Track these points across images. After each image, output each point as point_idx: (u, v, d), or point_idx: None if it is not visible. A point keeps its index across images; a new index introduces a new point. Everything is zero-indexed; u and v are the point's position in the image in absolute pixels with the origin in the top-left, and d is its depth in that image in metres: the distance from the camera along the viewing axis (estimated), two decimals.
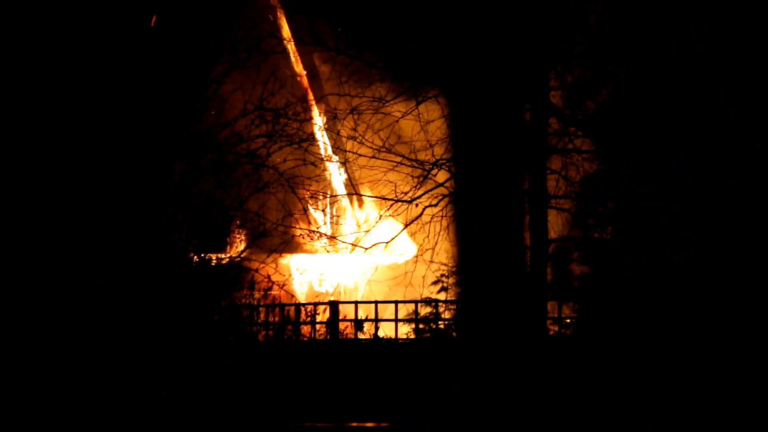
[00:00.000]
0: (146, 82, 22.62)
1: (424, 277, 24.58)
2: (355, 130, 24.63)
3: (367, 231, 25.40)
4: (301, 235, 24.51)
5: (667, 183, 22.01)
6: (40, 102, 21.99)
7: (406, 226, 24.75)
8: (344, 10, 25.03)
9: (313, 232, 24.96)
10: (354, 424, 23.20)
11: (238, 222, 23.66)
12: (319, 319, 24.87)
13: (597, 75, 23.34)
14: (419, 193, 24.34)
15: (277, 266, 24.38)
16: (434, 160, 24.25)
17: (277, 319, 24.70)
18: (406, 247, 27.15)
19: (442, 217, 24.33)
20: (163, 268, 22.46)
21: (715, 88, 22.06)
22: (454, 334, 24.61)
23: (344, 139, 25.27)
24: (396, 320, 24.84)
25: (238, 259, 23.53)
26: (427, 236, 24.40)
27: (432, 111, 24.67)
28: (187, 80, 23.27)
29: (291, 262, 27.24)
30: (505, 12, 23.36)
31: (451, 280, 24.75)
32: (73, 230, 21.42)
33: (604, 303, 22.71)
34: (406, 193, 24.46)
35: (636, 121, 22.43)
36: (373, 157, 24.54)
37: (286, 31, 28.96)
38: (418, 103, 24.55)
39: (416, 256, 24.91)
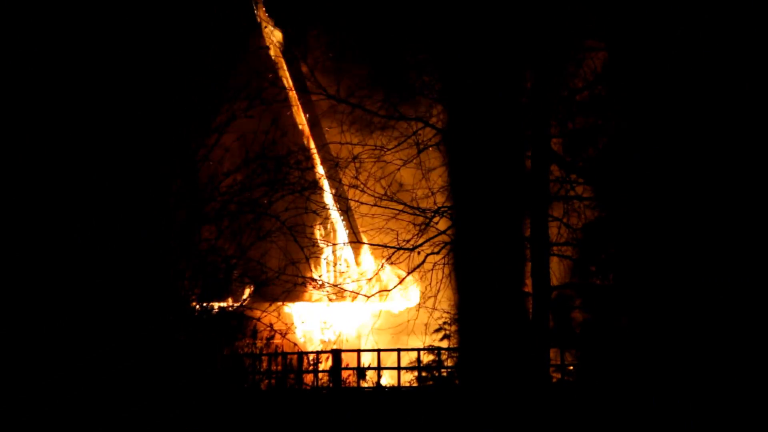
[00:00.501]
0: (147, 132, 22.69)
1: (426, 324, 24.54)
2: (356, 178, 24.70)
3: (369, 279, 25.44)
4: (303, 283, 24.49)
5: (668, 229, 22.04)
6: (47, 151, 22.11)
7: (408, 274, 24.77)
8: (346, 56, 25.20)
9: (315, 280, 24.99)
10: None
11: (240, 270, 23.65)
12: (321, 367, 24.80)
13: (598, 122, 23.41)
14: (421, 240, 24.38)
15: (279, 315, 24.36)
16: (436, 207, 24.31)
17: (279, 367, 24.62)
18: (408, 295, 27.16)
19: (444, 264, 24.34)
20: (164, 318, 22.44)
21: (715, 135, 22.13)
22: (457, 381, 24.52)
23: (346, 188, 25.36)
24: (399, 368, 24.78)
25: (241, 307, 23.51)
26: (429, 284, 24.41)
27: (434, 159, 24.77)
28: (189, 130, 23.34)
29: (293, 310, 27.22)
30: (507, 59, 23.49)
31: (453, 328, 24.69)
32: (73, 280, 21.44)
33: (607, 350, 22.66)
34: (408, 241, 24.49)
35: (635, 168, 22.49)
36: (375, 205, 24.60)
37: (287, 80, 29.13)
38: (419, 152, 24.66)
39: (418, 304, 24.90)
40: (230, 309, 23.42)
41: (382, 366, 25.00)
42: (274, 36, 28.87)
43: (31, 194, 21.97)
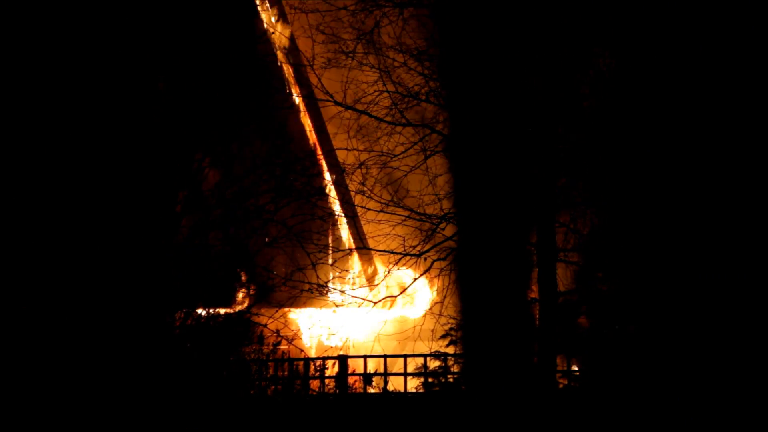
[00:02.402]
0: (154, 139, 22.73)
1: (433, 330, 24.52)
2: (363, 184, 24.66)
3: (375, 285, 25.42)
4: (309, 289, 24.48)
5: (674, 236, 22.04)
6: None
7: (414, 280, 24.75)
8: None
9: (322, 286, 24.97)
10: None
11: (246, 277, 23.67)
12: (328, 373, 24.84)
13: (604, 129, 23.39)
14: (428, 246, 24.32)
15: (285, 321, 24.37)
16: (442, 213, 24.27)
17: (285, 373, 24.66)
18: (415, 301, 27.14)
19: (450, 270, 24.29)
20: (171, 323, 22.48)
21: (721, 141, 22.15)
22: (464, 387, 24.50)
23: (353, 194, 25.32)
24: (405, 374, 24.78)
25: (247, 314, 23.52)
26: (436, 290, 24.38)
27: (440, 165, 24.72)
28: (195, 136, 23.37)
29: (299, 316, 27.23)
30: (514, 66, 23.46)
31: (460, 334, 24.67)
32: (79, 286, 21.49)
33: (613, 357, 22.63)
34: (414, 247, 24.45)
35: (642, 174, 22.50)
36: (382, 211, 24.55)
37: (294, 86, 29.14)
38: (426, 158, 24.62)
39: (425, 310, 24.88)
40: (236, 315, 23.42)
41: (388, 372, 24.99)
42: (280, 42, 28.87)
43: (46, 208, 22.02)
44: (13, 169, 22.01)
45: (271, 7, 29.48)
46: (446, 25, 24.09)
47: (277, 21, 29.40)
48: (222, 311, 23.38)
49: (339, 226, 28.02)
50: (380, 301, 25.20)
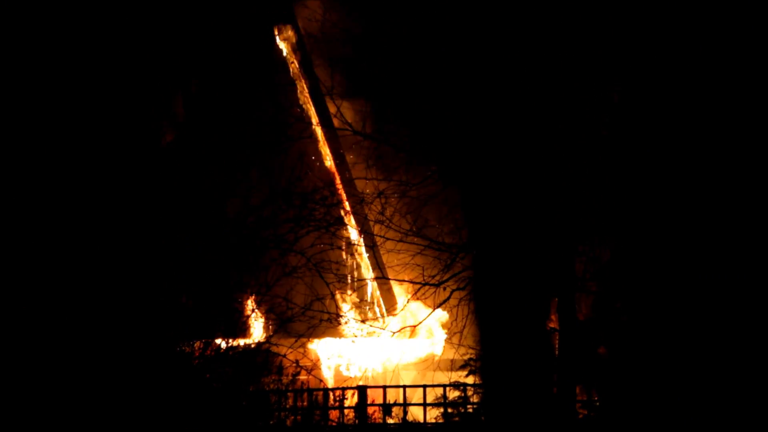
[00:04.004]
0: (173, 169, 22.82)
1: (452, 360, 24.46)
2: (382, 213, 24.63)
3: (394, 315, 25.40)
4: (328, 319, 24.45)
5: (690, 264, 21.99)
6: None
7: (434, 309, 24.70)
8: (373, 96, 25.23)
9: (341, 316, 24.95)
10: None
11: (265, 307, 23.67)
12: (347, 403, 24.78)
13: (619, 158, 23.35)
14: (447, 276, 24.26)
15: (305, 351, 24.37)
16: (461, 243, 24.22)
17: (305, 404, 24.62)
18: (434, 331, 27.11)
19: (470, 300, 24.24)
20: (191, 354, 22.50)
21: (734, 171, 22.14)
22: (483, 417, 24.42)
23: (372, 223, 25.30)
24: (424, 404, 24.71)
25: (266, 344, 23.51)
26: (455, 319, 24.33)
27: (459, 194, 24.70)
28: (214, 166, 23.45)
29: (318, 346, 27.22)
30: (534, 106, 23.44)
31: (479, 364, 24.60)
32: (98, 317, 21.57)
33: (633, 386, 22.53)
34: (433, 277, 24.37)
35: (658, 204, 22.47)
36: (401, 240, 24.51)
37: (313, 115, 29.23)
38: (444, 187, 24.60)
39: (444, 340, 24.83)
40: (256, 345, 23.43)
41: (408, 402, 24.93)
42: (300, 73, 29.00)
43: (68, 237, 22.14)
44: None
45: (288, 38, 29.61)
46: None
47: (296, 51, 29.52)
48: (241, 342, 23.37)
49: (358, 255, 28.00)
50: (399, 330, 25.16)
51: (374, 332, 25.13)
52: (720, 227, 22.02)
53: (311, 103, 29.10)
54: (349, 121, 25.12)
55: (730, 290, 21.76)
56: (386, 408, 24.88)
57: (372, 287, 28.12)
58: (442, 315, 25.19)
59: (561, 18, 23.22)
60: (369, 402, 24.92)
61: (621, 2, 23.05)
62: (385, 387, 25.25)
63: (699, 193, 22.24)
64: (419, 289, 24.41)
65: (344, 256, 25.42)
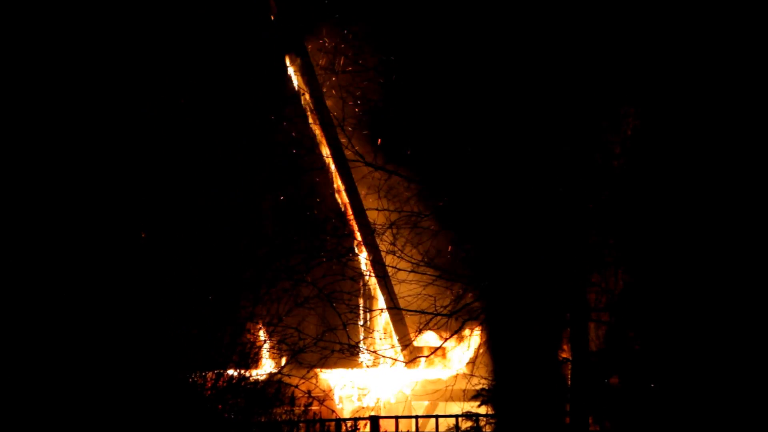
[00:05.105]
0: (185, 201, 22.87)
1: (464, 390, 24.44)
2: (393, 244, 24.65)
3: (406, 345, 25.39)
4: (340, 350, 24.45)
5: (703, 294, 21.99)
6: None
7: (446, 340, 24.70)
8: (384, 128, 25.31)
9: (353, 346, 24.95)
10: None
11: (277, 337, 23.68)
12: None
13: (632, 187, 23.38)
14: (459, 306, 24.28)
15: (316, 381, 24.35)
16: (473, 274, 24.22)
17: None
18: (446, 361, 27.08)
19: (482, 330, 24.25)
20: (203, 385, 22.51)
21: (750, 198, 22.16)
22: None
23: (383, 254, 25.33)
24: None
25: (278, 375, 23.51)
26: (467, 350, 24.33)
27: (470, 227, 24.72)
28: (226, 199, 23.50)
29: (331, 376, 27.21)
30: (545, 133, 23.49)
31: (492, 394, 24.57)
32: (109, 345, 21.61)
33: (646, 416, 22.49)
34: (445, 307, 24.40)
35: (673, 234, 22.49)
36: (412, 271, 24.52)
37: (324, 147, 29.30)
38: (454, 221, 24.63)
39: (457, 370, 24.82)
40: (268, 376, 23.42)
41: None
42: (311, 104, 29.07)
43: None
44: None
45: (299, 69, 29.71)
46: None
47: (307, 82, 29.60)
48: (254, 372, 23.37)
49: (370, 286, 28.02)
50: (411, 361, 25.16)
51: (386, 362, 25.12)
52: (736, 260, 22.03)
53: (323, 134, 29.17)
54: (361, 152, 25.19)
55: (745, 322, 21.77)
56: None
57: (384, 317, 28.11)
58: (454, 345, 25.16)
59: (577, 50, 23.37)
60: None
61: (638, 29, 23.15)
62: (397, 417, 25.25)
63: (713, 225, 22.26)
64: (431, 320, 24.41)
65: (356, 287, 25.39)
